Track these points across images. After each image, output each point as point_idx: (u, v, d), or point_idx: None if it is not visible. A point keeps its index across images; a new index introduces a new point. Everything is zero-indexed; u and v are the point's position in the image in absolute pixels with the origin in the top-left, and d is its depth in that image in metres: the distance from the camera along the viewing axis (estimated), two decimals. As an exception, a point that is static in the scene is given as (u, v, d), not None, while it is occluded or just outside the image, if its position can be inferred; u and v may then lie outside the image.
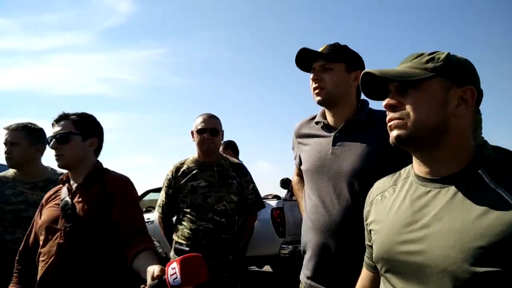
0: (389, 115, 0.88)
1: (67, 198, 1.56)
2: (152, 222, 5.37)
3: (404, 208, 0.88)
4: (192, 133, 2.37)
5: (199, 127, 2.29)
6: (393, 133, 0.86)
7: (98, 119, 1.71)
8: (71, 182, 1.64)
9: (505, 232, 0.70)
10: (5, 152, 2.08)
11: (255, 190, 2.45)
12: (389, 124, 0.88)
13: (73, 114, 1.63)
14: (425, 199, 0.85)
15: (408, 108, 0.84)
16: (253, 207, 2.44)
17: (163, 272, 1.05)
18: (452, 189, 0.81)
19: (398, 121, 0.85)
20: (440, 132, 0.83)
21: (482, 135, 1.27)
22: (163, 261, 1.21)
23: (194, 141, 2.35)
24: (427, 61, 0.85)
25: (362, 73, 0.92)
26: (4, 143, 2.10)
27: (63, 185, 1.65)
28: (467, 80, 0.84)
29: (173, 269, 1.02)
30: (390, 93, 0.88)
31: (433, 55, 0.86)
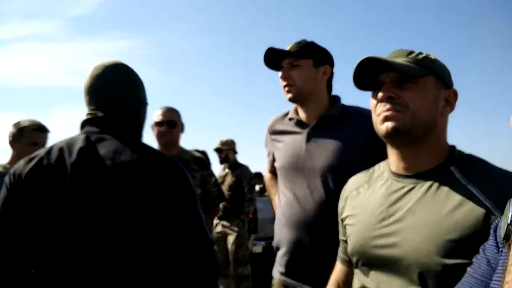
0: (385, 106, 0.86)
1: None
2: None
3: (379, 203, 0.90)
4: (152, 127, 2.34)
5: (157, 120, 2.28)
6: (390, 124, 0.84)
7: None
8: None
9: (475, 226, 0.73)
10: None
11: (217, 183, 2.50)
12: (385, 115, 0.85)
13: None
14: (399, 194, 0.87)
15: (408, 101, 0.84)
16: (216, 200, 2.48)
17: None
18: (426, 184, 0.84)
19: (397, 113, 0.84)
20: (430, 129, 0.85)
21: None
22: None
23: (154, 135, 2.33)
24: (423, 59, 0.87)
25: (363, 58, 0.88)
26: (38, 143, 2.20)
27: None
28: (451, 83, 0.90)
29: None
30: (385, 84, 0.87)
31: (425, 54, 0.88)
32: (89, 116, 1.07)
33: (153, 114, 2.35)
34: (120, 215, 0.96)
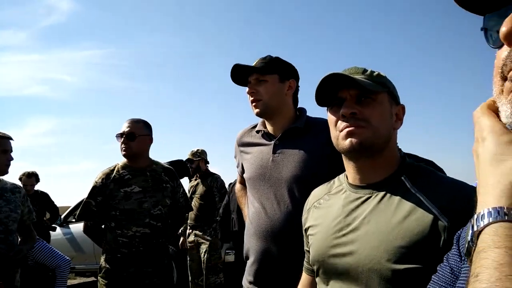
0: (348, 122, 0.89)
1: None
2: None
3: (337, 213, 0.94)
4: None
5: (119, 132, 2.28)
6: (354, 139, 0.88)
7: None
8: None
9: (423, 233, 0.78)
10: (9, 160, 2.27)
11: (184, 194, 2.54)
12: (349, 130, 0.88)
13: None
14: (355, 204, 0.91)
15: (369, 117, 0.88)
16: (183, 210, 2.52)
17: None
18: (380, 194, 0.88)
19: (360, 128, 0.88)
20: (387, 142, 0.91)
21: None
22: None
23: None
24: (377, 76, 0.93)
25: (328, 74, 0.91)
26: (8, 151, 2.28)
27: None
28: (399, 99, 0.97)
29: None
30: (346, 101, 0.91)
31: (377, 72, 0.94)
32: None
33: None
34: None
